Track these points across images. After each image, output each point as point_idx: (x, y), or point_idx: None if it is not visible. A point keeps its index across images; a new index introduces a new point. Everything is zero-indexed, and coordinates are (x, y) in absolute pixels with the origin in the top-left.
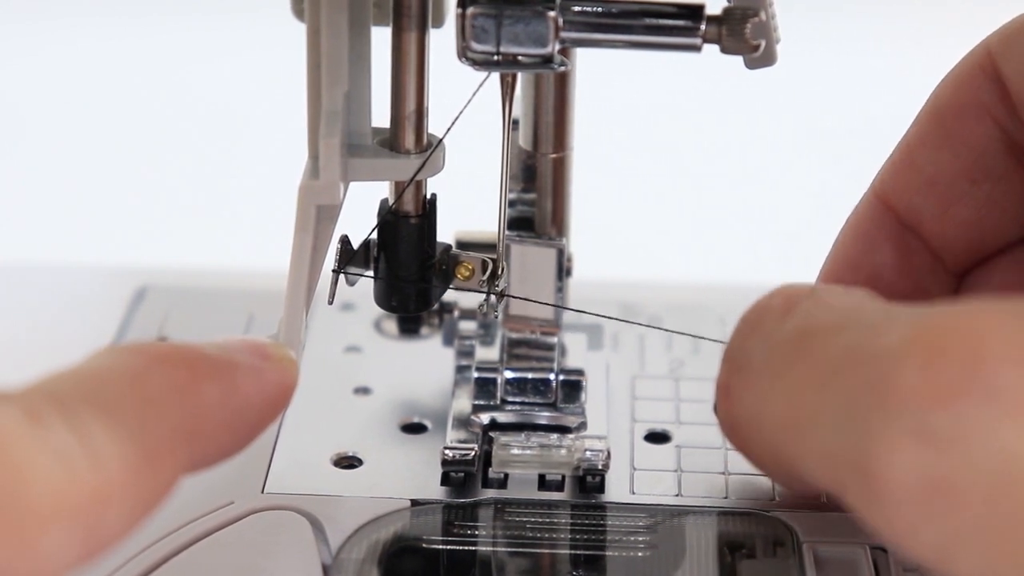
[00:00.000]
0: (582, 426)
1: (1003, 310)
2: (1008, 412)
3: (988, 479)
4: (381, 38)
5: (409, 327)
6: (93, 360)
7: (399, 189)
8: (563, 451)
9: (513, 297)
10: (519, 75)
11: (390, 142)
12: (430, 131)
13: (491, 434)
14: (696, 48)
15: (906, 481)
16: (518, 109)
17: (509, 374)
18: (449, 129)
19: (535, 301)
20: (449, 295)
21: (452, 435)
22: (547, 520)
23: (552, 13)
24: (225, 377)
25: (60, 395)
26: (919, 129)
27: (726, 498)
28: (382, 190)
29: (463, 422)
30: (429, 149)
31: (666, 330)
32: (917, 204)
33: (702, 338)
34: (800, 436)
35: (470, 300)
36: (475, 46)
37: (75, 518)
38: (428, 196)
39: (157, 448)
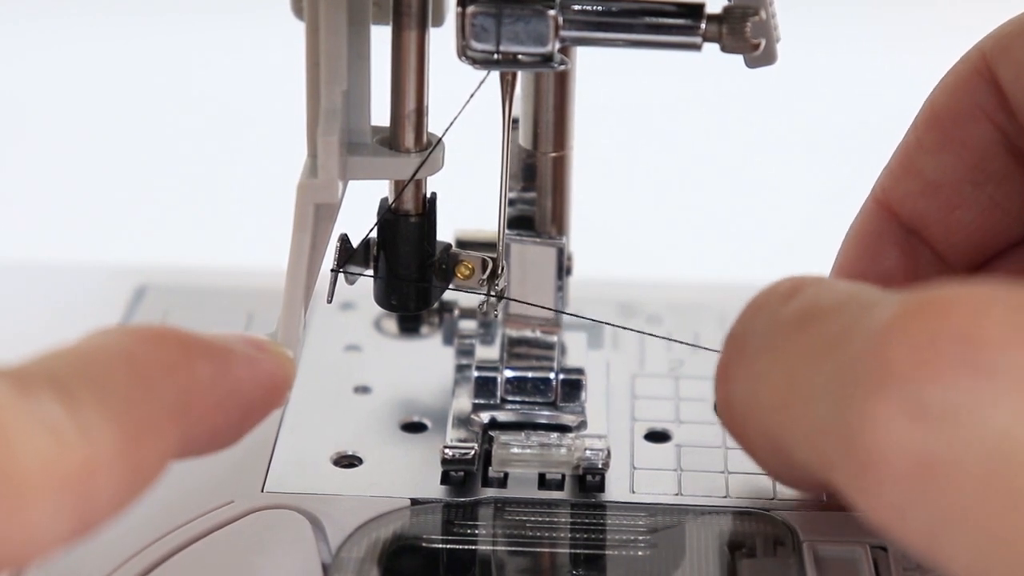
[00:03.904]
0: (582, 425)
1: (997, 289)
2: (1004, 390)
3: (982, 460)
4: (381, 37)
5: (409, 326)
6: (87, 339)
7: (399, 188)
8: (563, 450)
9: (511, 299)
10: (519, 74)
11: (390, 141)
12: (430, 130)
13: (491, 433)
14: (696, 47)
15: (895, 458)
16: (518, 108)
17: (509, 373)
18: (449, 128)
19: (533, 304)
20: (449, 294)
21: (452, 434)
22: (547, 519)
23: (552, 12)
24: (218, 358)
25: (51, 370)
26: (917, 134)
27: (726, 497)
28: (382, 189)
29: (463, 421)
30: (429, 148)
31: (663, 338)
32: (921, 209)
33: (695, 345)
34: (792, 413)
35: (470, 299)
36: (475, 45)
37: (65, 489)
38: (428, 195)
39: (148, 423)
